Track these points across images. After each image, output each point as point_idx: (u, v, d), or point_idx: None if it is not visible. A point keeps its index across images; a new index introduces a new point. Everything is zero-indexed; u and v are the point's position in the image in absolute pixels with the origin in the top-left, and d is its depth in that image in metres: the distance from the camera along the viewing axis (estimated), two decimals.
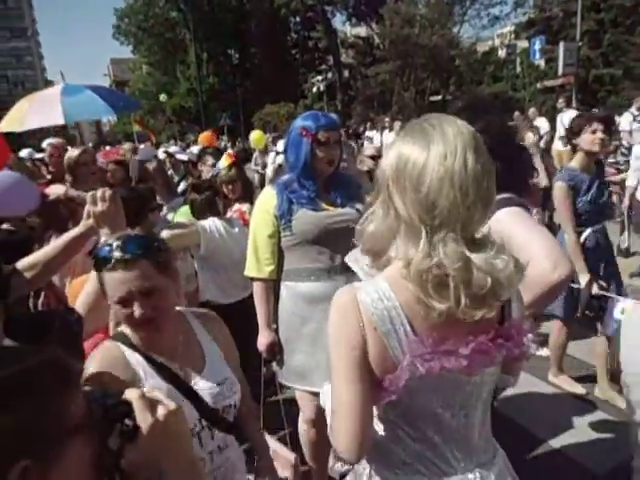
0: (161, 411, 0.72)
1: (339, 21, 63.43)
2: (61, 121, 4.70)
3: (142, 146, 6.15)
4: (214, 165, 4.17)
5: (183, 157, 5.34)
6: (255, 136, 8.96)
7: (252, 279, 2.20)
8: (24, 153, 6.29)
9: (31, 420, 0.60)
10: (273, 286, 2.20)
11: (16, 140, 5.17)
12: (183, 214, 3.13)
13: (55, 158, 4.37)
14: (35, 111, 4.89)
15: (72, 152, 3.42)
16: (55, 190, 3.08)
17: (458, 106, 1.85)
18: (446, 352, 0.96)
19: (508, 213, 1.59)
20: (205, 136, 8.05)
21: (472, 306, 0.92)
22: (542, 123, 8.94)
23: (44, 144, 5.01)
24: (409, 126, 1.04)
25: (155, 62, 32.89)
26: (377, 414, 1.09)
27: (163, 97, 22.82)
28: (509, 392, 3.24)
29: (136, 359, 1.28)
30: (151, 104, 32.88)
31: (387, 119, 11.32)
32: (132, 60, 37.24)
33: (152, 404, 0.72)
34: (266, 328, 2.19)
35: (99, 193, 1.31)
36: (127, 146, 5.86)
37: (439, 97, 26.04)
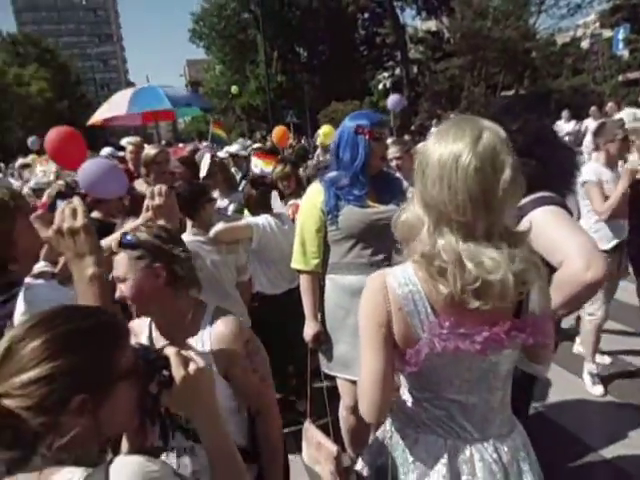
0: (192, 367, 0.86)
1: (409, 16, 62.25)
2: (124, 111, 5.36)
3: (205, 144, 6.50)
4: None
5: (244, 153, 5.60)
6: (325, 131, 8.91)
7: (299, 271, 2.30)
8: (105, 151, 6.84)
9: (90, 364, 0.76)
10: (319, 279, 2.29)
11: (97, 140, 5.81)
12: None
13: (134, 155, 4.71)
14: (108, 105, 5.76)
15: (150, 150, 3.62)
16: (139, 185, 3.39)
17: (498, 105, 1.85)
18: (461, 335, 1.06)
19: (543, 212, 1.58)
20: (277, 133, 7.92)
21: (472, 296, 1.01)
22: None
23: (123, 142, 5.41)
24: (440, 126, 1.12)
25: (227, 62, 34.13)
26: (404, 384, 1.23)
27: (234, 89, 23.60)
28: (557, 397, 3.17)
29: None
30: (223, 103, 34.20)
31: (452, 115, 11.01)
32: (206, 61, 38.89)
33: (185, 361, 0.87)
34: (312, 319, 2.28)
35: (156, 189, 1.46)
36: (189, 147, 6.25)
37: (511, 92, 24.91)
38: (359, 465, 1.40)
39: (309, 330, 2.28)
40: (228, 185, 3.95)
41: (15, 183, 6.00)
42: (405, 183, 2.40)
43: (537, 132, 1.71)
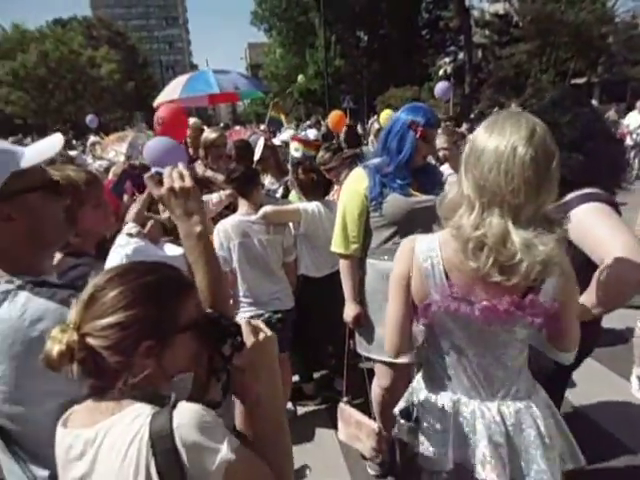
0: (261, 335, 0.97)
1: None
2: (176, 95, 5.66)
3: (262, 127, 6.62)
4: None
5: (286, 139, 5.67)
6: (386, 115, 8.41)
7: (339, 255, 2.36)
8: None
9: (157, 315, 0.88)
10: (359, 262, 2.35)
11: None
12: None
13: (193, 139, 4.91)
14: (167, 89, 6.10)
15: (209, 134, 3.75)
16: (197, 167, 3.60)
17: (549, 98, 1.82)
18: (465, 301, 1.25)
19: (588, 209, 1.57)
20: (334, 117, 7.70)
21: (498, 271, 1.17)
22: None
23: None
24: (489, 118, 1.26)
25: (287, 46, 34.27)
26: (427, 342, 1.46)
27: (301, 78, 23.70)
28: (601, 397, 3.10)
29: None
30: (281, 86, 34.48)
31: (513, 105, 10.48)
32: (267, 44, 39.19)
33: (255, 330, 0.98)
34: (352, 301, 2.35)
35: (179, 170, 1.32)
36: (248, 132, 6.36)
37: (583, 80, 23.43)
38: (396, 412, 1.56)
39: (349, 312, 2.36)
40: (279, 170, 4.08)
41: (87, 160, 6.41)
42: (446, 173, 2.41)
43: (588, 125, 1.68)
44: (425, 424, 1.44)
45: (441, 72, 31.63)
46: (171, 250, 1.71)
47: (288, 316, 2.83)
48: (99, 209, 1.60)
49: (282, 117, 7.47)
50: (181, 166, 1.17)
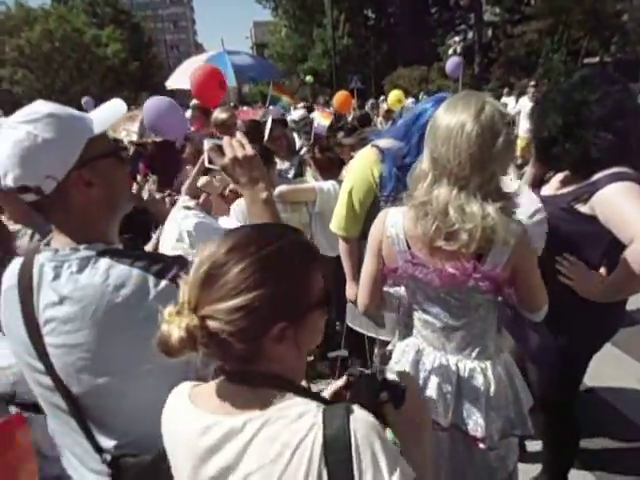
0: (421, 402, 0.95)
1: None
2: (188, 86, 5.01)
3: (272, 107, 6.52)
4: (308, 139, 4.36)
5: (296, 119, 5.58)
6: (394, 97, 8.26)
7: (339, 236, 2.33)
8: None
9: (289, 292, 0.78)
10: (359, 243, 2.28)
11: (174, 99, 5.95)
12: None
13: (197, 118, 4.86)
14: (182, 73, 5.61)
15: (220, 114, 3.73)
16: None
17: (578, 75, 1.78)
18: (421, 265, 1.40)
19: (616, 188, 1.56)
20: (339, 98, 7.38)
21: (442, 237, 1.31)
22: None
23: (191, 103, 5.61)
24: (450, 99, 1.36)
25: (293, 25, 33.71)
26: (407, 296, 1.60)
27: (309, 79, 23.31)
28: (616, 382, 3.11)
29: None
30: (287, 66, 34.04)
31: (532, 82, 10.17)
32: (272, 23, 38.58)
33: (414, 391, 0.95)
34: (352, 280, 2.38)
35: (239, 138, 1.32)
36: (260, 112, 6.27)
37: (596, 59, 22.96)
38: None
39: (350, 290, 2.39)
40: (289, 149, 4.05)
41: None
42: None
43: (618, 104, 1.65)
44: (391, 364, 1.63)
45: (450, 51, 31.07)
46: (226, 223, 1.73)
47: None
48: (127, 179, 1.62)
49: (283, 98, 7.29)
50: (239, 135, 1.19)
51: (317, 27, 29.90)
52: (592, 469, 2.46)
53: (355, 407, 0.74)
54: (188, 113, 5.50)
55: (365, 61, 29.69)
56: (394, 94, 8.46)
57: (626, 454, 2.58)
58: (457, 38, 31.25)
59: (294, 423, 0.73)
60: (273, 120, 4.04)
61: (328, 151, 3.00)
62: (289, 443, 0.71)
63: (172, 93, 5.95)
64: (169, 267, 1.00)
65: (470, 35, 28.97)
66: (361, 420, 0.72)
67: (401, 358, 1.59)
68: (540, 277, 1.43)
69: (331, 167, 3.00)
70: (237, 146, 1.14)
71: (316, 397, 0.80)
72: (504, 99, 11.70)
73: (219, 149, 1.17)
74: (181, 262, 1.02)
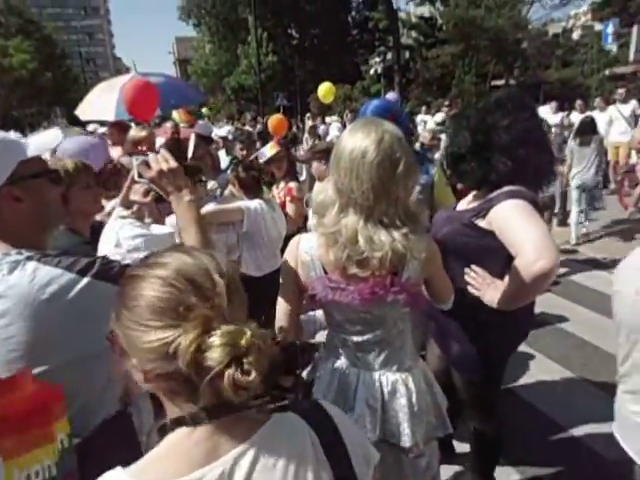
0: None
1: (403, 1, 61.58)
2: (111, 117, 4.71)
3: (201, 122, 6.36)
4: (242, 150, 4.37)
5: (226, 135, 5.53)
6: (324, 88, 8.01)
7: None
8: (90, 127, 6.76)
9: None
10: None
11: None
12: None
13: (115, 136, 4.62)
14: (96, 101, 5.16)
15: (137, 132, 3.59)
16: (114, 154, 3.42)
17: (493, 98, 1.92)
18: (339, 289, 1.42)
19: (510, 205, 1.67)
20: (274, 122, 6.40)
21: (355, 264, 1.35)
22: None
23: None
24: (351, 126, 1.41)
25: (217, 41, 33.50)
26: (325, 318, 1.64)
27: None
28: (532, 378, 3.35)
29: None
30: (211, 82, 33.64)
31: (446, 102, 10.94)
32: (195, 39, 38.08)
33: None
34: None
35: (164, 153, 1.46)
36: (169, 124, 6.01)
37: (502, 82, 24.96)
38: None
39: None
40: (214, 168, 4.00)
41: None
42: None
43: (524, 132, 1.77)
44: (316, 386, 1.62)
45: (372, 71, 32.41)
46: (158, 229, 1.89)
47: None
48: (88, 191, 1.90)
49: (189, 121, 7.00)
50: (163, 151, 1.36)
51: (241, 44, 29.91)
52: (516, 464, 2.62)
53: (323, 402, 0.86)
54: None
55: (290, 79, 30.10)
56: (321, 89, 8.24)
57: (546, 447, 2.76)
58: (377, 59, 32.67)
59: (291, 439, 0.77)
60: (197, 137, 3.97)
61: (253, 170, 2.98)
62: (289, 460, 0.74)
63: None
64: (91, 265, 1.14)
65: (389, 56, 30.33)
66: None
67: (325, 380, 1.59)
68: (446, 274, 1.59)
69: (255, 186, 2.99)
70: (162, 160, 1.33)
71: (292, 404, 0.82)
72: (422, 116, 12.37)
73: (146, 164, 1.35)
74: (103, 261, 1.18)
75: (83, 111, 5.24)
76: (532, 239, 1.54)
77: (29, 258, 1.13)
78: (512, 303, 1.69)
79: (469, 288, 1.80)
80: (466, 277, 1.81)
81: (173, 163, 1.32)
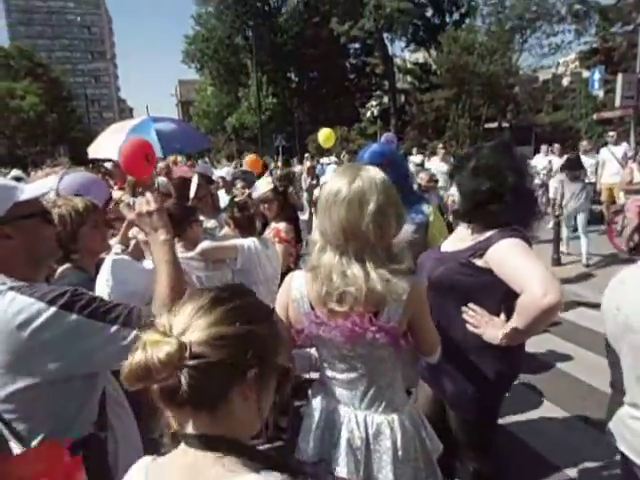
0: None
1: (398, 47, 64.16)
2: (114, 157, 4.82)
3: (200, 162, 6.57)
4: (244, 188, 4.51)
5: (225, 176, 5.68)
6: (325, 134, 8.26)
7: None
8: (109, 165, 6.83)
9: (268, 340, 0.84)
10: None
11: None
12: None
13: (118, 175, 4.80)
14: (106, 141, 5.26)
15: None
16: (115, 195, 3.55)
17: (502, 143, 2.04)
18: (324, 325, 1.47)
19: (509, 243, 1.76)
20: (250, 160, 7.86)
21: (334, 299, 1.41)
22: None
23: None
24: (336, 169, 1.52)
25: (218, 84, 34.60)
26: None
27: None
28: (524, 416, 3.35)
29: None
30: (213, 123, 34.53)
31: (440, 145, 11.32)
32: (198, 82, 39.36)
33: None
34: None
35: (149, 196, 1.59)
36: (162, 164, 6.10)
37: (495, 124, 25.67)
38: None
39: None
40: (214, 207, 4.12)
41: None
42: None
43: (515, 173, 1.89)
44: (304, 421, 1.65)
45: (369, 114, 33.33)
46: (149, 264, 1.99)
47: None
48: (96, 230, 1.97)
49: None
50: (148, 195, 1.47)
51: (242, 87, 30.90)
52: None
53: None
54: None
55: (289, 120, 30.92)
56: (321, 134, 8.46)
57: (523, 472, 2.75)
58: (374, 102, 33.70)
59: None
60: (199, 177, 4.12)
61: (246, 210, 3.10)
62: None
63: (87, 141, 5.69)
64: (61, 296, 1.22)
65: (385, 100, 31.33)
66: None
67: (313, 416, 1.61)
68: (432, 322, 1.55)
69: (250, 225, 3.09)
70: (144, 203, 1.44)
71: (282, 465, 0.80)
72: (412, 158, 12.69)
73: (129, 206, 1.52)
74: (74, 293, 1.24)
75: (93, 150, 5.42)
76: (537, 275, 1.62)
77: (11, 288, 1.23)
78: (520, 338, 1.74)
79: (467, 326, 1.83)
80: (464, 316, 1.84)
81: (152, 206, 1.43)
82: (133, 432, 1.52)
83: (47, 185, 1.43)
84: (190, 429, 0.80)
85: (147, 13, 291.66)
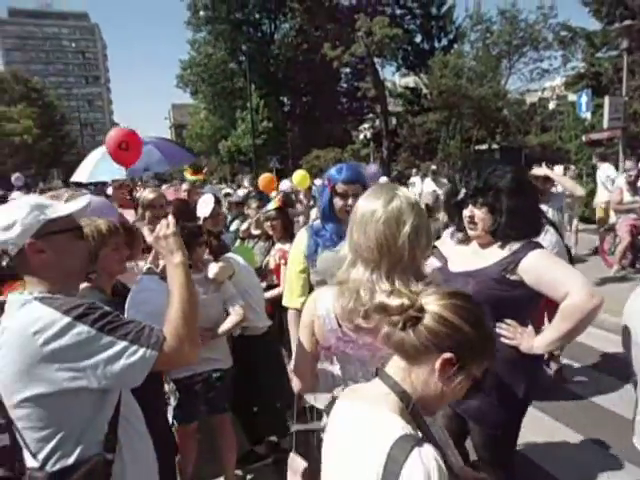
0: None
1: (389, 71, 65.53)
2: (84, 179, 5.18)
3: (208, 186, 6.65)
4: (259, 207, 4.53)
5: (236, 199, 5.90)
6: (298, 176, 8.55)
7: (287, 307, 2.49)
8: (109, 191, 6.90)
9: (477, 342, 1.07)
10: None
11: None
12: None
13: (119, 195, 4.82)
14: (85, 167, 5.46)
15: (148, 194, 3.71)
16: (128, 215, 3.56)
17: (493, 160, 2.17)
18: (352, 342, 1.49)
19: (540, 254, 1.88)
20: (264, 180, 7.90)
21: (360, 315, 1.40)
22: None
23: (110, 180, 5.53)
24: (369, 189, 1.54)
25: (212, 108, 34.97)
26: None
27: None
28: (535, 438, 3.31)
29: None
30: (206, 146, 34.77)
31: (433, 166, 11.54)
32: (192, 105, 39.74)
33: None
34: None
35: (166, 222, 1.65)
36: (185, 186, 6.38)
37: (485, 146, 26.08)
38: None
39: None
40: (224, 225, 4.18)
41: None
42: None
43: (523, 190, 2.00)
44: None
45: (361, 136, 33.73)
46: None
47: (227, 374, 2.80)
48: (116, 253, 2.04)
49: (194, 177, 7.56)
50: (170, 218, 1.54)
51: (239, 110, 31.19)
52: None
53: (428, 447, 0.99)
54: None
55: (282, 142, 31.21)
56: (295, 176, 8.82)
57: None
58: (366, 125, 34.17)
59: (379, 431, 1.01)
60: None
61: (214, 238, 3.20)
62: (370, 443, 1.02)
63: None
64: (77, 307, 1.28)
65: (377, 122, 31.76)
66: (424, 456, 0.97)
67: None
68: None
69: (220, 251, 3.14)
70: (163, 225, 1.52)
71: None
72: (412, 179, 12.85)
73: (150, 230, 1.58)
74: (90, 306, 1.31)
75: (78, 175, 5.55)
76: (578, 280, 1.77)
77: (35, 299, 1.32)
78: (566, 341, 1.87)
79: (501, 339, 1.91)
80: (498, 330, 1.92)
81: (170, 230, 1.50)
82: (146, 455, 1.51)
83: (80, 203, 1.49)
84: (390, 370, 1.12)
85: (141, 38, 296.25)
